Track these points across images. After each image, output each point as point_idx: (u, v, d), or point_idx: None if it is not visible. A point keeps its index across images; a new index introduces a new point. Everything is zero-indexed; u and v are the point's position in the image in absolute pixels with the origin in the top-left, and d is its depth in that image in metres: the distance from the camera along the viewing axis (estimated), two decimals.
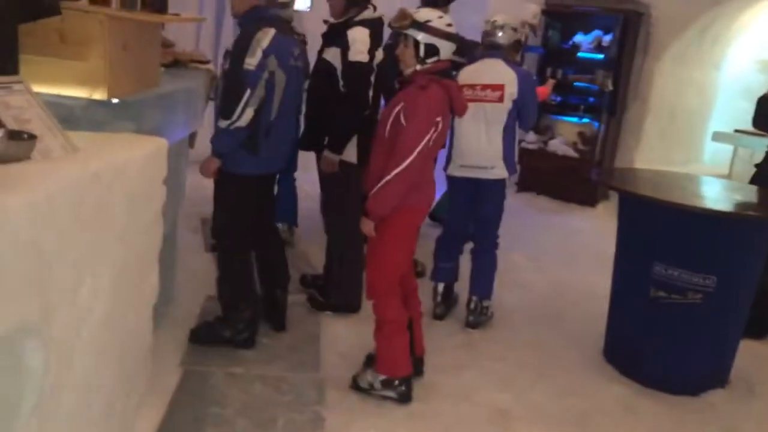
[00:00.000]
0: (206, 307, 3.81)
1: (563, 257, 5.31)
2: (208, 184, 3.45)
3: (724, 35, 6.77)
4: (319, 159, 3.77)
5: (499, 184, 3.81)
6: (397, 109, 2.91)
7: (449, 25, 2.95)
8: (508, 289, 4.39)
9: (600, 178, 6.48)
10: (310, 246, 4.89)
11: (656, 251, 3.40)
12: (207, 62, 3.95)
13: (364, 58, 3.55)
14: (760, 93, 7.05)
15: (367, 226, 2.96)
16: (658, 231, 3.42)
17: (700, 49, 6.74)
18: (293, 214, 5.04)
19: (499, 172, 3.77)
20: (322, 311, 3.91)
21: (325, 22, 3.79)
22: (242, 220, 3.37)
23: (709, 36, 6.65)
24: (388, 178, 2.84)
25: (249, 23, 3.16)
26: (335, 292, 3.90)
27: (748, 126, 6.59)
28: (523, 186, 6.94)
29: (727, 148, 6.84)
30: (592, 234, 5.92)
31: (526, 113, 3.80)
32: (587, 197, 6.68)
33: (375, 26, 3.65)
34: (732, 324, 3.51)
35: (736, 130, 6.61)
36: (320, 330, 3.75)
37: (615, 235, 3.74)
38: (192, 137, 3.68)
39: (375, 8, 3.69)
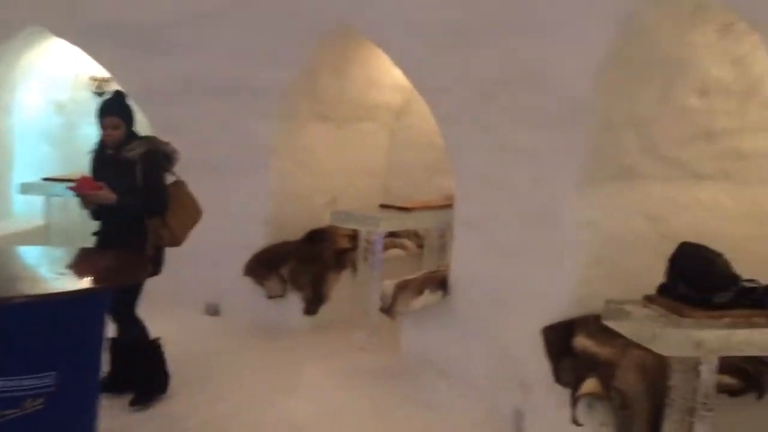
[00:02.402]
0: None
1: None
2: None
3: (10, 78, 6.18)
4: None
5: None
6: None
7: None
8: None
9: None
10: None
11: None
12: None
13: None
14: (61, 136, 6.84)
15: None
16: None
17: None
18: None
19: None
20: None
21: None
22: None
23: None
24: None
25: None
26: None
27: (56, 173, 6.26)
28: None
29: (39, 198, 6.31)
30: None
31: None
32: None
33: None
34: (90, 407, 3.03)
35: (45, 179, 6.14)
36: None
37: None
38: None
39: None
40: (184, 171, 5.32)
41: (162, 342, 4.01)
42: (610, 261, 3.44)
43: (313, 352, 4.80)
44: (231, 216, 5.39)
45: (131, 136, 3.79)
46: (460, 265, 4.26)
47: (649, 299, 2.79)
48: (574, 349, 3.25)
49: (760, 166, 3.43)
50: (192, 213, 3.96)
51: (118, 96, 3.93)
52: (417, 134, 5.96)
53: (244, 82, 5.18)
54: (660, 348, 2.45)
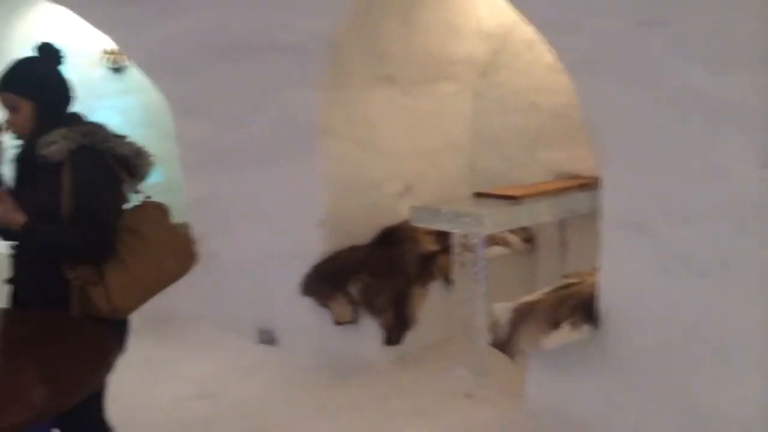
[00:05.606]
0: None
1: None
2: None
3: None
4: None
5: None
6: None
7: None
8: None
9: None
10: None
11: None
12: None
13: None
14: None
15: None
16: None
17: None
18: None
19: None
20: None
21: None
22: None
23: None
24: None
25: None
26: None
27: None
28: None
29: None
30: None
31: None
32: None
33: None
34: None
35: None
36: None
37: None
38: None
39: None
40: (212, 162, 4.15)
41: None
42: None
43: (401, 400, 3.53)
44: (276, 217, 4.18)
45: (50, 120, 2.21)
46: (616, 285, 2.88)
47: None
48: None
49: None
50: (167, 263, 2.27)
51: (22, 61, 2.28)
52: (511, 94, 4.53)
53: (277, 38, 3.81)
54: None
